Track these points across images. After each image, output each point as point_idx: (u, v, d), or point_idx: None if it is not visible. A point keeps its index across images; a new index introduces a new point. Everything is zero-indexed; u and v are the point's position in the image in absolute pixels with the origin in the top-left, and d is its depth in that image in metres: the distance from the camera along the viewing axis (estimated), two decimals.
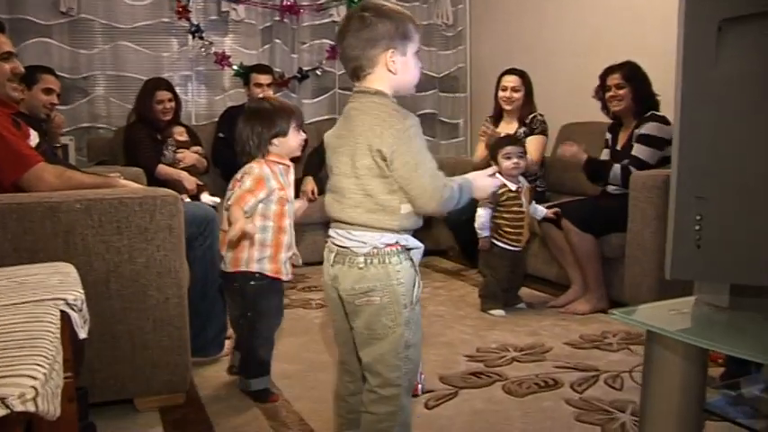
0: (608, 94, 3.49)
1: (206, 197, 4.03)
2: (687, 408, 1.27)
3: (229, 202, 2.29)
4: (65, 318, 1.53)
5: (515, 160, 3.26)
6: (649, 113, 3.34)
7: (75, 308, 1.56)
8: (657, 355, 1.24)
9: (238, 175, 2.33)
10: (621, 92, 3.42)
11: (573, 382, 2.46)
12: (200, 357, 2.60)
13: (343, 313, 1.74)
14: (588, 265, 3.33)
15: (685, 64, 1.25)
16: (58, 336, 1.35)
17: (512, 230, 3.28)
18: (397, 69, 1.64)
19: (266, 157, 2.32)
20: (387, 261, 1.64)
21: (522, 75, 4.08)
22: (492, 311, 3.31)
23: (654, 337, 1.24)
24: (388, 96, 1.65)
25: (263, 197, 2.28)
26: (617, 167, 3.32)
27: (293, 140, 2.36)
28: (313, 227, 4.17)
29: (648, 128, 3.29)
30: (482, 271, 3.43)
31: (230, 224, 2.23)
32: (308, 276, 4.12)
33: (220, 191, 4.48)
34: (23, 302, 1.51)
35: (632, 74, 3.41)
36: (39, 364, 1.13)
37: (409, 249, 1.68)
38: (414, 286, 1.68)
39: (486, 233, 3.30)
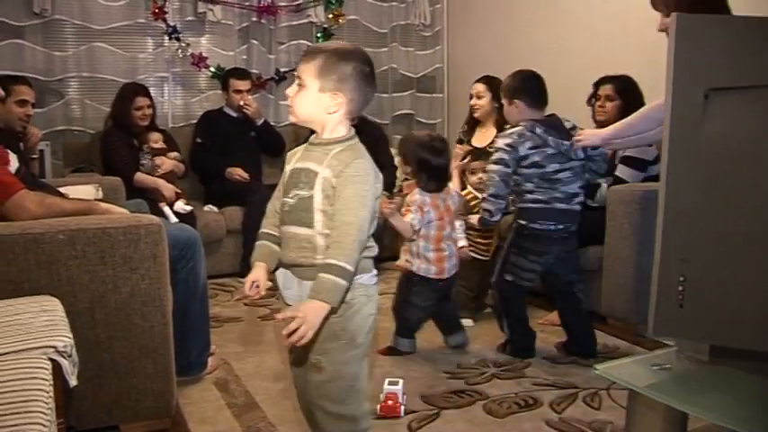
0: (597, 104, 3.49)
1: (179, 205, 4.00)
2: None
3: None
4: (55, 366, 1.53)
5: (480, 175, 3.37)
6: None
7: (64, 354, 1.57)
8: (639, 412, 1.28)
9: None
10: (610, 104, 3.43)
11: (552, 400, 2.51)
12: (185, 377, 2.60)
13: None
14: None
15: (672, 129, 1.28)
16: (51, 392, 1.36)
17: (482, 241, 3.39)
18: None
19: None
20: None
21: (488, 82, 4.04)
22: (462, 320, 3.34)
23: (635, 395, 1.28)
24: None
25: None
26: (604, 188, 3.30)
27: None
28: None
29: (632, 149, 3.29)
30: None
31: None
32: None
33: (199, 196, 4.50)
34: (13, 352, 1.50)
35: (625, 88, 3.40)
36: None
37: None
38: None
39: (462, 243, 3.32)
